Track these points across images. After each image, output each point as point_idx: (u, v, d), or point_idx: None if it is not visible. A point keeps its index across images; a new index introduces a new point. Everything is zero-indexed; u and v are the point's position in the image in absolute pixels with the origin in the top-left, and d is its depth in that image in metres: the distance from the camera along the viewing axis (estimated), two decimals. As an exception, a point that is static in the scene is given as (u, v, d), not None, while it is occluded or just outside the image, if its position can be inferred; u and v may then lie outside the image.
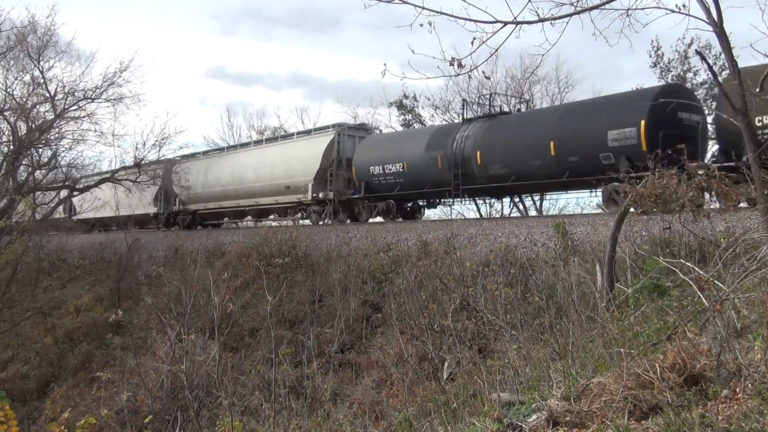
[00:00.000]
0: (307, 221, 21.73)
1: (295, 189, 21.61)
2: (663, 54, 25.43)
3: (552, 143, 15.17)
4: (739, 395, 4.13)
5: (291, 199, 21.91)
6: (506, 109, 21.40)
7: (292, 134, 24.25)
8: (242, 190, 23.77)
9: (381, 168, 19.30)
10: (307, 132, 23.23)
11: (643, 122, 13.60)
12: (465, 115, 19.32)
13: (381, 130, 25.24)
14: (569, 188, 16.71)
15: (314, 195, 21.00)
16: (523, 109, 24.14)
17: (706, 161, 13.41)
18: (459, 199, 19.53)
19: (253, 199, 23.40)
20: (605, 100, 16.44)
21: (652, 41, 25.45)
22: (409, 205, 20.84)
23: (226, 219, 26.45)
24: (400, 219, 19.65)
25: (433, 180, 18.04)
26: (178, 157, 27.75)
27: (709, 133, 15.32)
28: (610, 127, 14.23)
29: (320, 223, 20.90)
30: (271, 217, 24.80)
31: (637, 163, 12.93)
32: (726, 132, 12.63)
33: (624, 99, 15.04)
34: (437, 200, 20.62)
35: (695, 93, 21.09)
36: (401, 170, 18.79)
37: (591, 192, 16.58)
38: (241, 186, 23.81)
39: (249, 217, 25.51)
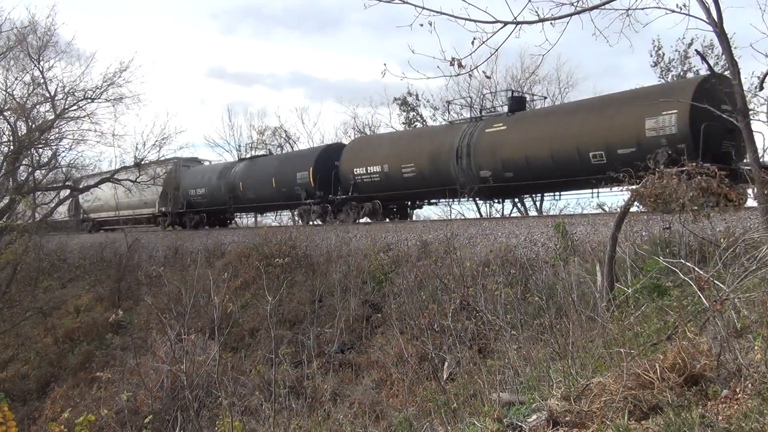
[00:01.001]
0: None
1: (150, 204, 29.28)
2: (663, 54, 25.47)
3: (273, 179, 23.32)
4: (739, 395, 4.13)
5: (146, 211, 29.84)
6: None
7: (148, 164, 28.06)
8: (124, 203, 30.72)
9: (196, 190, 27.51)
10: (156, 162, 27.81)
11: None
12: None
13: (210, 162, 32.78)
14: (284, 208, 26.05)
15: (160, 209, 28.84)
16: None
17: None
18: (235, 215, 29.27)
19: (130, 210, 30.68)
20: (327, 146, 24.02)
21: (653, 41, 25.50)
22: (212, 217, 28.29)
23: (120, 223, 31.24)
24: (207, 227, 27.38)
25: (220, 200, 26.13)
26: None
27: None
28: (297, 169, 22.36)
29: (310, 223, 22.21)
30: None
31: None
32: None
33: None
34: (223, 216, 28.57)
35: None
36: (207, 192, 26.96)
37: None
38: (124, 201, 30.22)
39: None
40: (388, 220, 20.49)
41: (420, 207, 22.12)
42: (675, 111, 12.87)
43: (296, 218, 22.97)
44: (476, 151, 16.99)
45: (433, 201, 21.71)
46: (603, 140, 14.23)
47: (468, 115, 22.00)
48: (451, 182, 17.70)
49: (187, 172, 28.85)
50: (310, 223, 21.69)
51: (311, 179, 21.35)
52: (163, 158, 27.27)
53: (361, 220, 20.40)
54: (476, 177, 16.99)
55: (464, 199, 18.96)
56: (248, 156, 28.19)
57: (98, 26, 76.83)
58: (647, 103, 13.24)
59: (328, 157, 21.80)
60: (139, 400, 10.45)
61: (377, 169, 19.55)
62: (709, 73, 13.82)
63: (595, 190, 15.17)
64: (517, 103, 18.07)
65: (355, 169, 20.21)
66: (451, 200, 20.78)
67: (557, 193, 18.24)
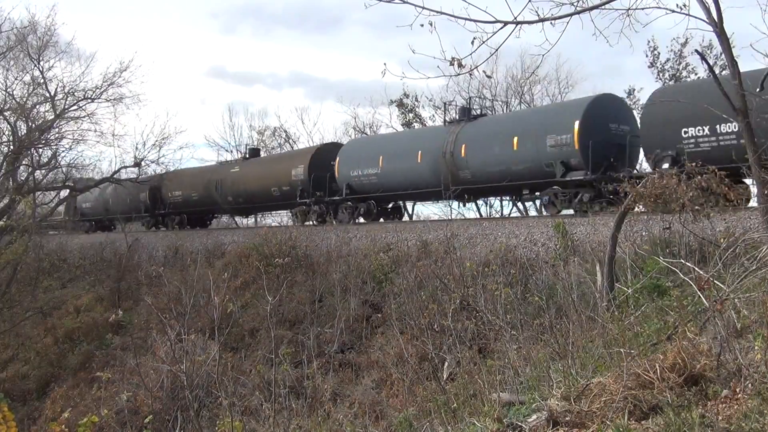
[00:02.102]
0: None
1: None
2: (659, 54, 25.48)
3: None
4: (739, 395, 4.13)
5: None
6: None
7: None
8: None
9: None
10: None
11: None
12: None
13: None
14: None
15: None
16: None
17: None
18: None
19: None
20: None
21: (649, 41, 25.50)
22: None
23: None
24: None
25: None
26: None
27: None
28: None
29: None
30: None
31: None
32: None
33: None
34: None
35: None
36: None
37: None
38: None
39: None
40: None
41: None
42: (302, 165, 22.05)
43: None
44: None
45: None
46: (274, 181, 23.13)
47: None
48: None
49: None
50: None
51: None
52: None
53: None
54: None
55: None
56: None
57: (98, 26, 76.93)
58: (292, 160, 23.11)
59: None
60: (139, 400, 10.45)
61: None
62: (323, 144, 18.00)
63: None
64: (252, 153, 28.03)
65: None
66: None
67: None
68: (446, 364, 8.81)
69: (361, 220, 20.58)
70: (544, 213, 16.08)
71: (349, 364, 11.27)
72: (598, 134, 14.75)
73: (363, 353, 11.57)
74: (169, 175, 28.28)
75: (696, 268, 6.31)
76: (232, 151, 38.05)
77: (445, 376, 8.46)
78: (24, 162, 24.57)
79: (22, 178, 25.11)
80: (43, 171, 25.84)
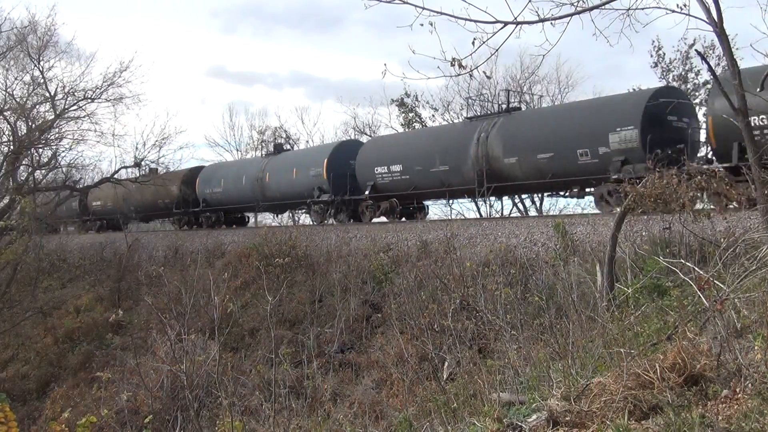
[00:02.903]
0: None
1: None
2: (664, 54, 25.46)
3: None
4: (739, 395, 4.13)
5: None
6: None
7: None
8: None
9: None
10: None
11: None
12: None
13: None
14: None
15: None
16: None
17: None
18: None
19: None
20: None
21: (653, 41, 25.48)
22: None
23: None
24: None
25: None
26: None
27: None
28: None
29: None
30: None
31: None
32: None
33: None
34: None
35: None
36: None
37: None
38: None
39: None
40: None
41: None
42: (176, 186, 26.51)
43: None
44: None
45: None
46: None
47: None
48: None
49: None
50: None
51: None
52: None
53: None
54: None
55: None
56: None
57: (98, 26, 76.91)
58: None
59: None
60: (139, 400, 10.44)
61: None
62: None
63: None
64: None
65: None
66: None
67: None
68: (446, 364, 8.80)
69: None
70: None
71: (349, 364, 11.27)
72: (338, 170, 21.00)
73: (363, 353, 11.57)
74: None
75: (696, 268, 6.30)
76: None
77: (445, 376, 8.46)
78: (24, 162, 24.59)
79: (22, 178, 25.11)
80: (43, 171, 25.87)
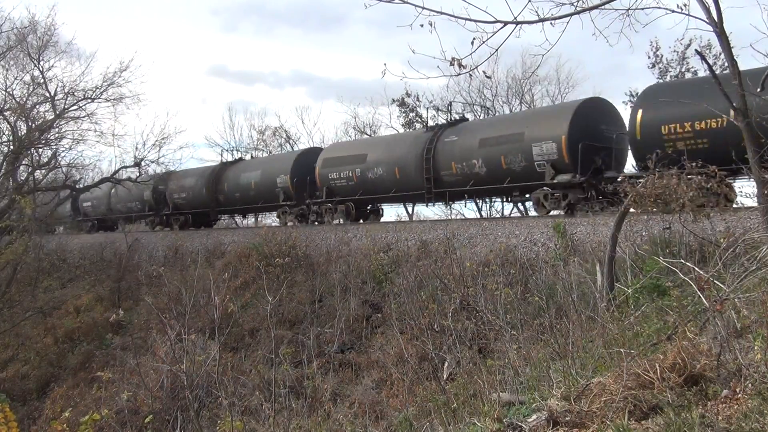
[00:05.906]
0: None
1: None
2: (662, 54, 25.47)
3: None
4: (739, 395, 4.13)
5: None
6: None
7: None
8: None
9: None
10: None
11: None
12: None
13: None
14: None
15: None
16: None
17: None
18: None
19: None
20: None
21: (651, 41, 25.49)
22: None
23: None
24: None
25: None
26: None
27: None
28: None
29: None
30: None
31: None
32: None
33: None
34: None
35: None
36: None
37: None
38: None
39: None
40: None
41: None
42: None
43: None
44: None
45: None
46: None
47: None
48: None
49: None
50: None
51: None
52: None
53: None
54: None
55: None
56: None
57: (98, 26, 76.90)
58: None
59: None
60: (139, 400, 10.44)
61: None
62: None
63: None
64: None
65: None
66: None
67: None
68: (446, 364, 8.80)
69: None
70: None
71: (349, 364, 11.27)
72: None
73: (363, 353, 11.57)
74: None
75: (696, 268, 6.30)
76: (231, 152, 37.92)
77: (445, 376, 8.46)
78: (24, 162, 24.55)
79: (22, 178, 25.09)
80: (43, 171, 25.84)
